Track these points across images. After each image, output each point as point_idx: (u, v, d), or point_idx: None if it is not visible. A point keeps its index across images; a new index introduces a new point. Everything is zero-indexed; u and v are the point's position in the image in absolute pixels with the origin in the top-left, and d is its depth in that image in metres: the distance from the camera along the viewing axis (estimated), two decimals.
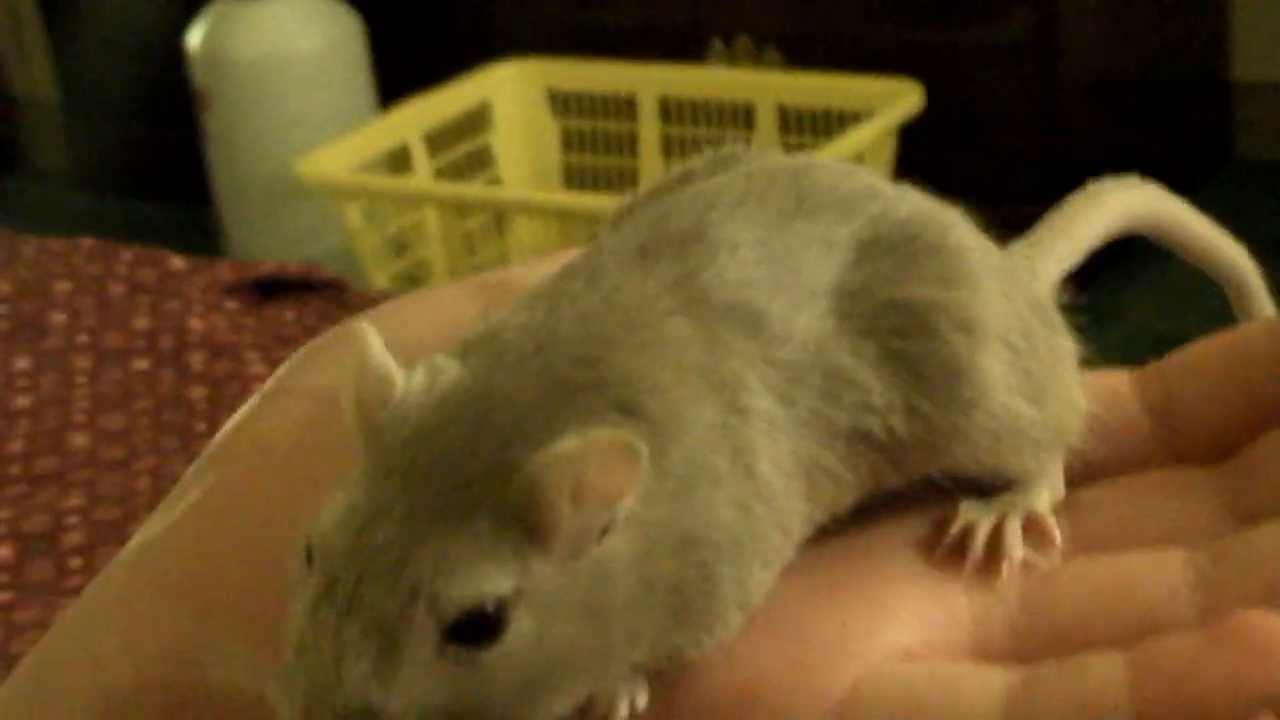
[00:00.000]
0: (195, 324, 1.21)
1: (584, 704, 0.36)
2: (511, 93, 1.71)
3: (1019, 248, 0.45)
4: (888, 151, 1.59)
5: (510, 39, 1.77)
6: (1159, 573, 0.37)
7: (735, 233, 0.39)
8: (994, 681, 0.35)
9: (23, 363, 1.19)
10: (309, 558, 0.35)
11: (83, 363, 1.19)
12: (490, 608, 0.33)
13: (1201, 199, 0.46)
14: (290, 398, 0.42)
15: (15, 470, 1.11)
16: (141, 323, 1.24)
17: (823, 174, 0.41)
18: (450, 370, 0.36)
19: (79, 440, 1.14)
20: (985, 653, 0.37)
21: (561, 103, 1.72)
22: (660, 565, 0.35)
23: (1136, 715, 0.33)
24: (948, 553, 0.39)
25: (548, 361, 0.36)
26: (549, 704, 0.35)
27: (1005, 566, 0.38)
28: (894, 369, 0.38)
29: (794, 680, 0.36)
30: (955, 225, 0.40)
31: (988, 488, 0.40)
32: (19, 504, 1.08)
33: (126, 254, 1.27)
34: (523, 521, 0.34)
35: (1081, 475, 0.41)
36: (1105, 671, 0.34)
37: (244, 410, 0.42)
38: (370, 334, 0.36)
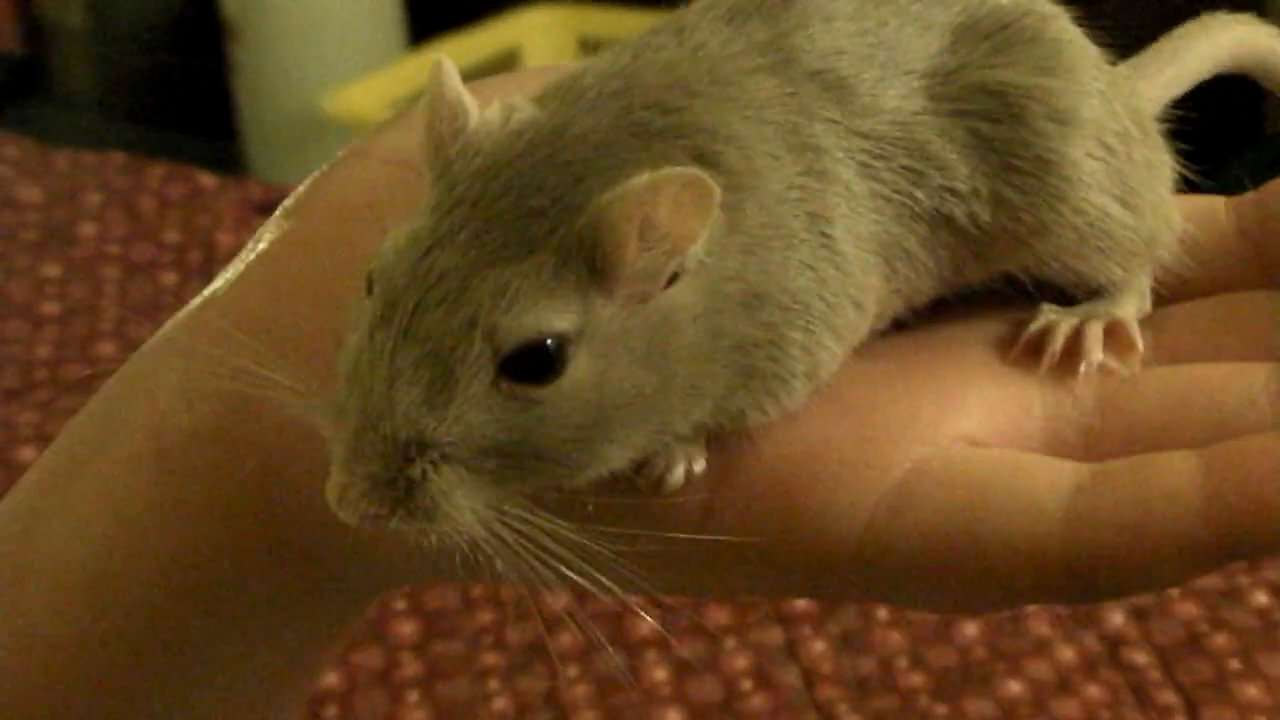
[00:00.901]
0: (223, 239, 1.22)
1: (641, 464, 0.35)
2: (542, 38, 1.71)
3: (1123, 68, 0.44)
4: None
5: None
6: (1240, 382, 0.36)
7: (830, 3, 0.38)
8: (1063, 470, 0.34)
9: (52, 270, 1.19)
10: (370, 286, 0.33)
11: (112, 273, 1.19)
12: (549, 344, 0.32)
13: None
14: (367, 159, 0.41)
15: (42, 375, 1.11)
16: (171, 236, 1.24)
17: None
18: (526, 108, 0.35)
19: (106, 348, 1.14)
20: (1056, 450, 0.36)
21: (593, 50, 1.70)
22: (728, 320, 0.34)
23: (1205, 512, 0.32)
24: (1025, 350, 0.38)
25: (626, 105, 0.35)
26: (604, 451, 0.34)
27: (1082, 367, 0.37)
28: (982, 154, 0.38)
29: (857, 453, 0.36)
30: (1057, 18, 0.39)
31: (1074, 297, 0.39)
32: (45, 408, 1.08)
33: (157, 169, 1.28)
34: (588, 258, 0.33)
35: (1172, 293, 0.41)
36: (1177, 467, 0.33)
37: (321, 170, 0.42)
38: (448, 67, 0.35)
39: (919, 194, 0.37)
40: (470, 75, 1.30)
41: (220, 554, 0.40)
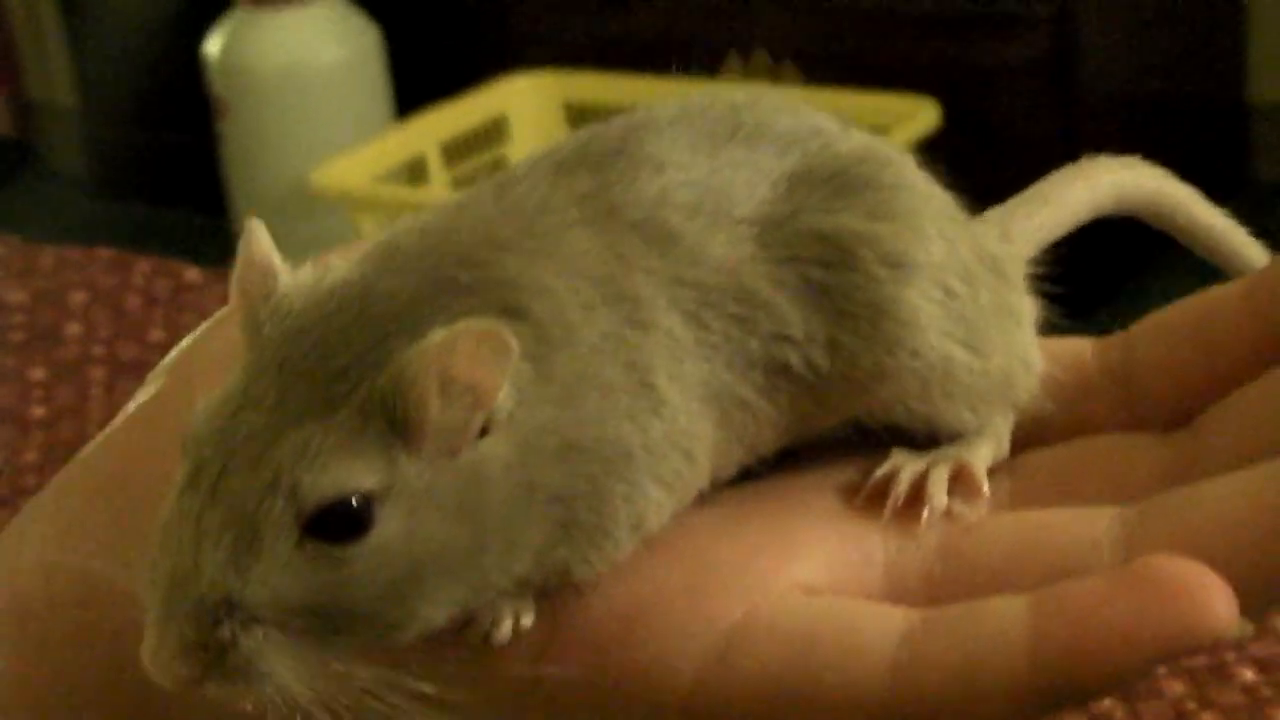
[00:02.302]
0: None
1: (466, 621, 0.35)
2: (528, 105, 1.71)
3: (995, 211, 0.43)
4: None
5: (527, 51, 1.77)
6: (1084, 526, 0.35)
7: (660, 152, 0.38)
8: (893, 618, 0.34)
9: (38, 373, 1.20)
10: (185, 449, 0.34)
11: (98, 374, 1.19)
12: (353, 502, 0.32)
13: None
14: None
15: (31, 481, 1.11)
16: (157, 334, 1.24)
17: (766, 107, 0.39)
18: (339, 268, 0.35)
19: None
20: (897, 598, 0.36)
21: (578, 115, 1.72)
22: (543, 473, 0.34)
23: (1032, 655, 0.31)
24: (870, 496, 0.37)
25: (435, 262, 0.35)
26: (420, 609, 0.34)
27: (925, 513, 0.37)
28: (816, 300, 0.37)
29: (685, 604, 0.35)
30: (895, 163, 0.39)
31: (929, 442, 0.39)
32: None
33: (143, 265, 1.28)
34: (390, 415, 0.33)
35: (1039, 436, 0.40)
36: (1006, 611, 0.33)
37: (196, 332, 0.42)
38: (259, 229, 0.35)
39: (750, 341, 0.37)
40: (460, 143, 1.31)
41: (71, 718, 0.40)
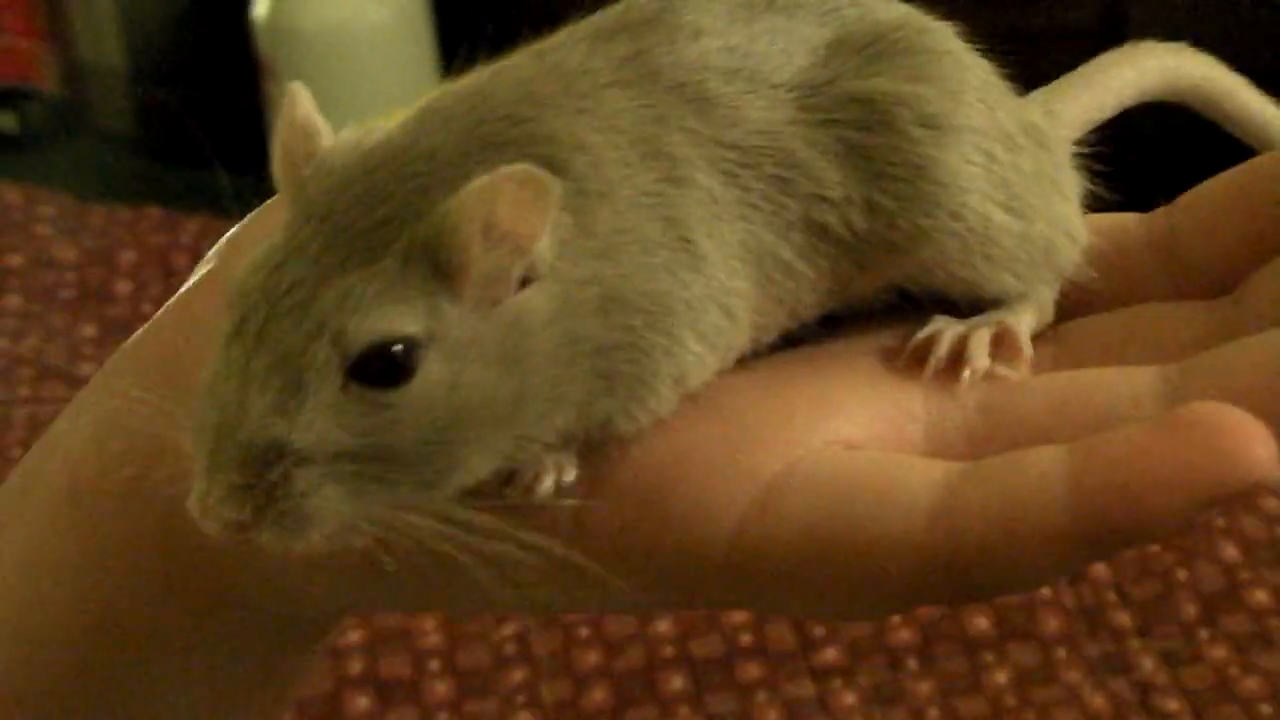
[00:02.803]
0: None
1: (509, 474, 0.35)
2: None
3: (1041, 91, 0.44)
4: None
5: (573, 13, 1.77)
6: (1126, 382, 0.35)
7: (698, 19, 0.38)
8: (933, 469, 0.34)
9: (89, 330, 1.21)
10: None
11: None
12: (396, 347, 0.33)
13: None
14: None
15: None
16: None
17: None
18: (379, 129, 0.36)
19: None
20: (939, 454, 0.36)
21: None
22: (584, 324, 0.35)
23: (1072, 501, 0.31)
24: (912, 357, 0.38)
25: (476, 119, 0.35)
26: (463, 456, 0.34)
27: (966, 372, 0.37)
28: (854, 162, 0.37)
29: (726, 457, 0.35)
30: (935, 30, 0.40)
31: (972, 310, 0.39)
32: None
33: (191, 225, 1.29)
34: (433, 262, 0.33)
35: (1082, 307, 0.40)
36: (1045, 460, 0.33)
37: (251, 214, 0.43)
38: (301, 92, 0.36)
39: (789, 202, 0.37)
40: None
41: (129, 597, 0.41)
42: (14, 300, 1.22)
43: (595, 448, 0.36)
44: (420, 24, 1.80)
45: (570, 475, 0.36)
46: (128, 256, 1.27)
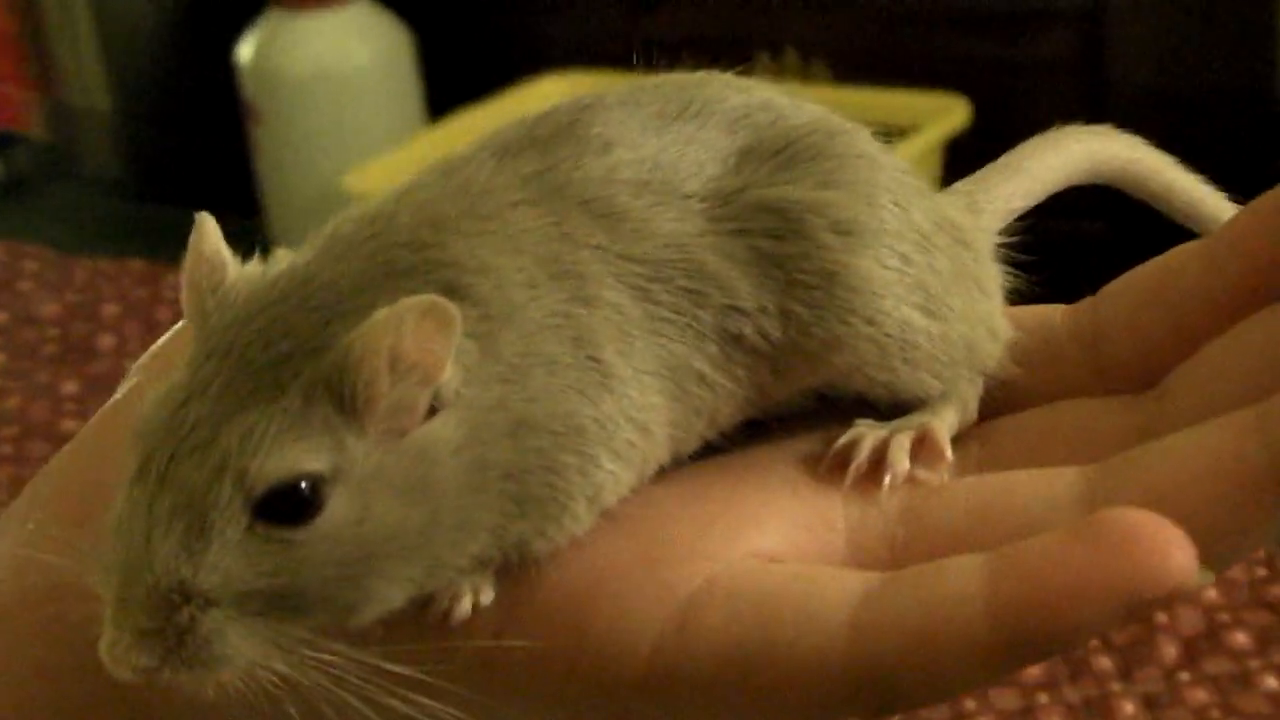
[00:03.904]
0: None
1: (426, 599, 0.35)
2: None
3: (964, 183, 0.43)
4: (934, 166, 1.59)
5: (557, 53, 1.77)
6: (1045, 484, 0.35)
7: (607, 132, 0.38)
8: (852, 580, 0.33)
9: (70, 386, 1.21)
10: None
11: None
12: (301, 485, 0.32)
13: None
14: None
15: None
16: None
17: (716, 85, 0.39)
18: (283, 259, 0.35)
19: None
20: (860, 564, 0.35)
21: None
22: (493, 450, 0.34)
23: (990, 612, 0.31)
24: (832, 464, 0.37)
25: (378, 246, 0.35)
26: (376, 589, 0.34)
27: (887, 478, 0.36)
28: (767, 271, 0.37)
29: (642, 574, 0.35)
30: (846, 133, 0.39)
31: (894, 412, 0.38)
32: None
33: (173, 276, 1.29)
34: (337, 396, 0.33)
35: (1008, 405, 0.39)
36: (963, 570, 0.32)
37: (169, 333, 0.42)
38: (208, 222, 0.35)
39: (702, 314, 0.37)
40: None
41: (54, 713, 0.40)
42: None
43: (512, 569, 0.35)
44: (405, 67, 1.80)
45: (487, 597, 0.35)
46: (110, 310, 1.28)
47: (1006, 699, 1.05)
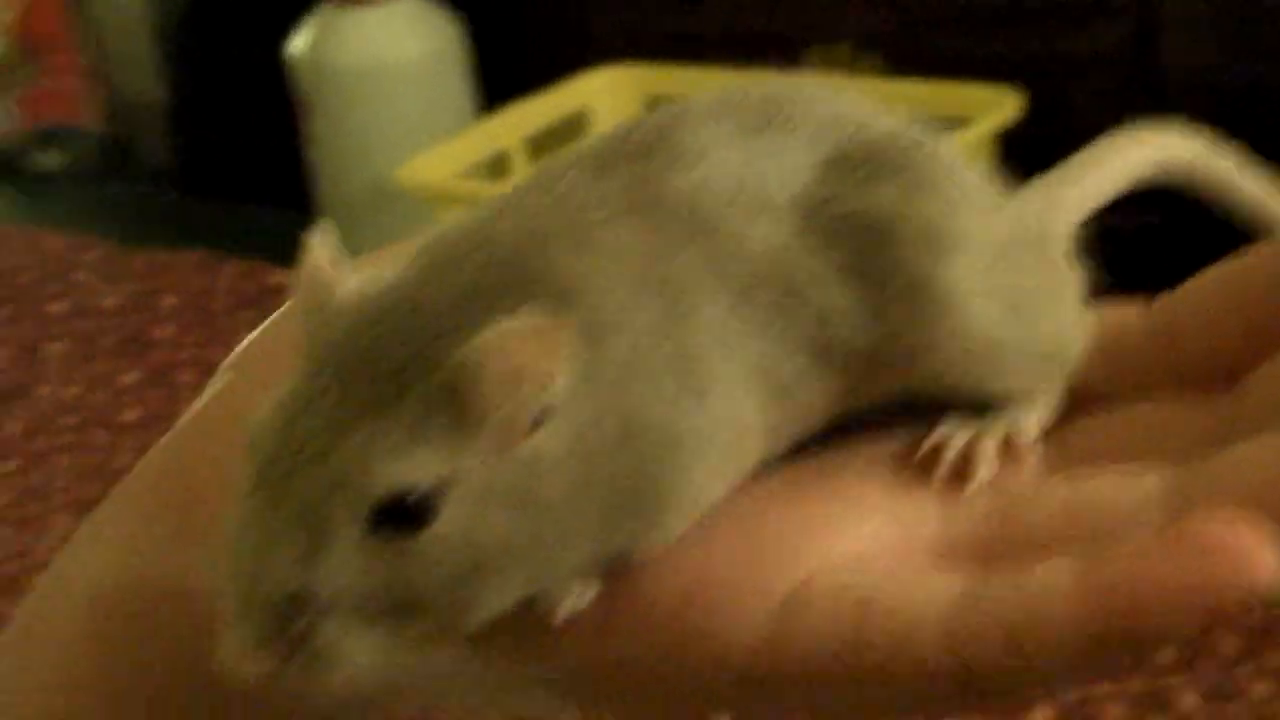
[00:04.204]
0: None
1: (529, 602, 0.36)
2: (610, 99, 1.71)
3: (1036, 183, 0.43)
4: (987, 159, 1.58)
5: (608, 46, 1.78)
6: (1132, 487, 0.36)
7: (696, 143, 0.38)
8: (944, 585, 0.35)
9: (130, 377, 1.22)
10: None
11: (187, 377, 1.22)
12: (415, 495, 0.33)
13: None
14: None
15: None
16: (244, 337, 1.27)
17: (802, 95, 0.40)
18: (388, 275, 0.36)
19: None
20: (949, 565, 0.36)
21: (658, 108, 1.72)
22: (597, 461, 0.35)
23: (1078, 618, 0.32)
24: (920, 465, 0.38)
25: (481, 260, 0.36)
26: (485, 596, 0.35)
27: (974, 480, 0.37)
28: (856, 281, 0.38)
29: (739, 577, 0.36)
30: (929, 144, 0.39)
31: (979, 409, 0.39)
32: None
33: (229, 267, 1.30)
34: (450, 409, 0.33)
35: (1086, 405, 0.40)
36: (1051, 575, 0.33)
37: (257, 330, 0.43)
38: (320, 241, 0.36)
39: (794, 324, 0.37)
40: (543, 138, 1.32)
41: (148, 712, 0.41)
42: (57, 347, 1.24)
43: (613, 572, 0.36)
44: (457, 60, 1.81)
45: (588, 598, 0.36)
46: (168, 301, 1.29)
47: (1065, 690, 1.05)
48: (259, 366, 0.41)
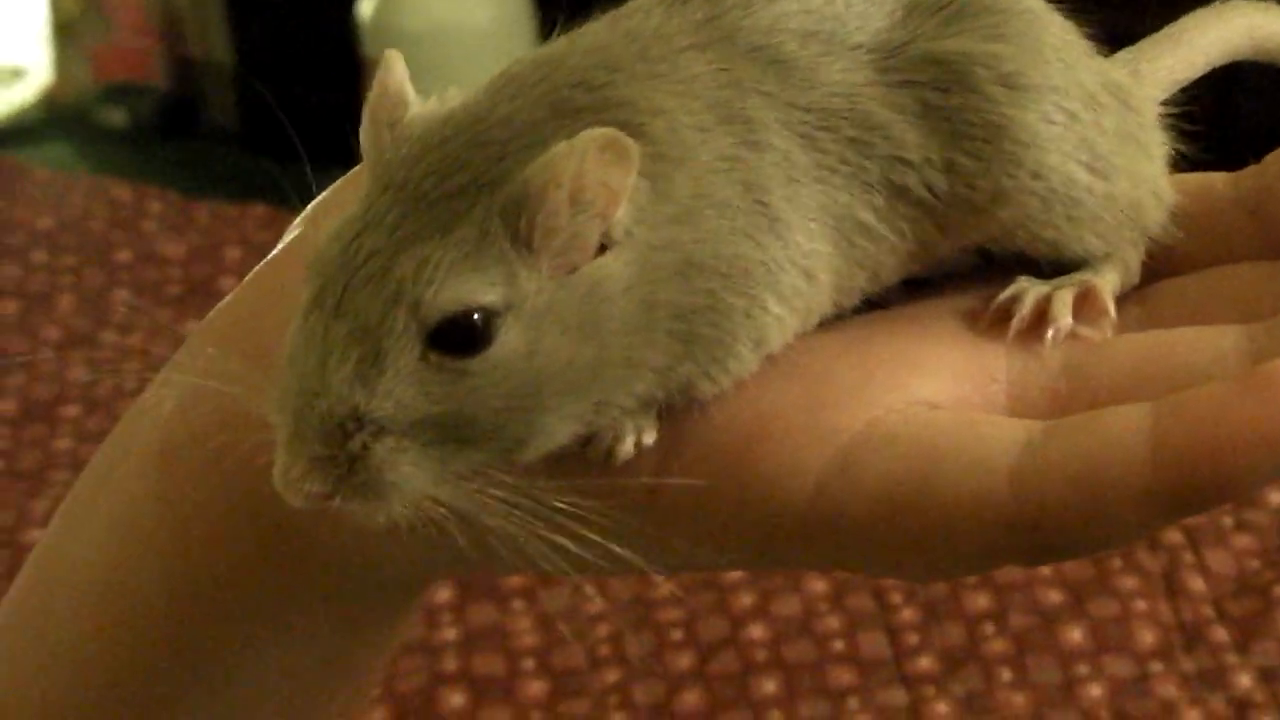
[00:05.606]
0: None
1: (589, 437, 0.35)
2: None
3: (1126, 51, 0.42)
4: None
5: None
6: (1209, 341, 0.35)
7: None
8: (1015, 428, 0.34)
9: (194, 326, 1.23)
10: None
11: None
12: (474, 316, 0.33)
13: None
14: None
15: None
16: None
17: None
18: (457, 97, 0.36)
19: None
20: (1021, 414, 0.35)
21: None
22: (662, 290, 0.34)
23: (1153, 459, 0.31)
24: (994, 317, 0.37)
25: (551, 86, 0.35)
26: (543, 424, 0.34)
27: (1050, 332, 0.36)
28: (933, 123, 0.37)
29: (806, 417, 0.35)
30: None
31: (1056, 272, 0.39)
32: None
33: (294, 221, 1.31)
34: (512, 230, 0.33)
35: (1169, 269, 0.40)
36: (1126, 418, 0.32)
37: (344, 177, 0.43)
38: (396, 60, 0.36)
39: (868, 164, 0.37)
40: None
41: (218, 559, 0.41)
42: (122, 295, 1.25)
43: (675, 410, 0.36)
44: (523, 24, 1.81)
45: (650, 437, 0.36)
46: (232, 253, 1.29)
47: (1120, 666, 1.04)
48: (332, 219, 0.41)
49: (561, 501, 0.33)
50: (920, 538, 0.33)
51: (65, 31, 2.10)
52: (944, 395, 0.35)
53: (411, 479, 0.33)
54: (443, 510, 0.33)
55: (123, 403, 1.16)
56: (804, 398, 0.35)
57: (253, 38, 2.01)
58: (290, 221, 1.30)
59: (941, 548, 0.33)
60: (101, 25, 2.09)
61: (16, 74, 2.13)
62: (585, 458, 0.35)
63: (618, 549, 0.34)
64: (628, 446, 0.35)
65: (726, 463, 0.35)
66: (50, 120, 2.07)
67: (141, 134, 2.00)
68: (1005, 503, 0.32)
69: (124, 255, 1.28)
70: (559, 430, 0.34)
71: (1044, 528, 0.32)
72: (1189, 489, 0.31)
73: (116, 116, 2.03)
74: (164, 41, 2.08)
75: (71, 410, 1.19)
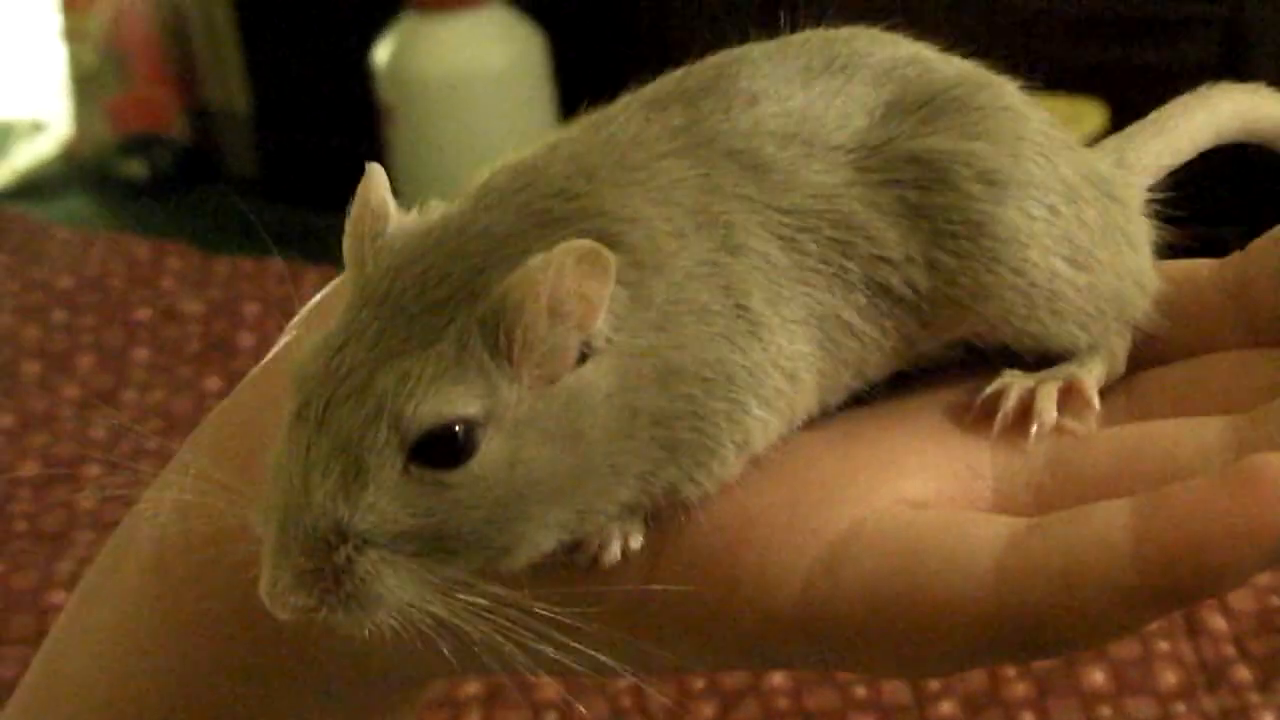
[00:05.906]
0: None
1: (575, 544, 0.35)
2: None
3: (1113, 139, 0.43)
4: None
5: (688, 56, 1.77)
6: (1193, 434, 0.35)
7: (754, 85, 0.38)
8: (998, 525, 0.34)
9: (213, 383, 1.24)
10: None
11: None
12: (455, 428, 0.33)
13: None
14: None
15: None
16: None
17: (863, 40, 0.39)
18: (438, 209, 0.36)
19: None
20: (1006, 510, 0.35)
21: None
22: (643, 396, 0.35)
23: (1135, 556, 0.31)
24: (979, 412, 0.37)
25: (530, 196, 0.35)
26: (526, 533, 0.34)
27: (1034, 427, 0.36)
28: (913, 222, 0.37)
29: (790, 518, 0.35)
30: (992, 86, 0.39)
31: (1042, 365, 0.39)
32: None
33: (312, 275, 1.31)
34: (491, 342, 0.33)
35: (1155, 358, 0.39)
36: (1111, 515, 0.32)
37: (328, 287, 0.43)
38: (377, 173, 0.36)
39: (849, 264, 0.37)
40: None
41: (213, 670, 0.41)
42: (142, 353, 1.25)
43: (661, 514, 0.36)
44: (538, 70, 1.82)
45: (637, 542, 0.36)
46: (252, 309, 1.30)
47: (1142, 707, 1.04)
48: (323, 324, 0.41)
49: (547, 610, 0.33)
50: (906, 636, 0.34)
51: (83, 84, 2.12)
52: (928, 493, 0.36)
53: (396, 590, 0.33)
54: (428, 620, 0.34)
55: (142, 462, 1.17)
56: (788, 498, 0.36)
57: (270, 86, 2.02)
58: (306, 275, 1.30)
59: (928, 646, 0.34)
60: (119, 77, 2.10)
61: (37, 127, 2.15)
62: (572, 564, 0.36)
63: (603, 658, 0.34)
64: (614, 552, 0.36)
65: (712, 566, 0.35)
66: (70, 173, 2.08)
67: (161, 184, 2.02)
68: (989, 600, 0.33)
69: (143, 313, 1.29)
70: (544, 539, 0.35)
71: (1028, 625, 0.32)
72: (1172, 585, 0.31)
73: (135, 168, 2.04)
74: (181, 91, 2.09)
75: (94, 469, 1.20)
